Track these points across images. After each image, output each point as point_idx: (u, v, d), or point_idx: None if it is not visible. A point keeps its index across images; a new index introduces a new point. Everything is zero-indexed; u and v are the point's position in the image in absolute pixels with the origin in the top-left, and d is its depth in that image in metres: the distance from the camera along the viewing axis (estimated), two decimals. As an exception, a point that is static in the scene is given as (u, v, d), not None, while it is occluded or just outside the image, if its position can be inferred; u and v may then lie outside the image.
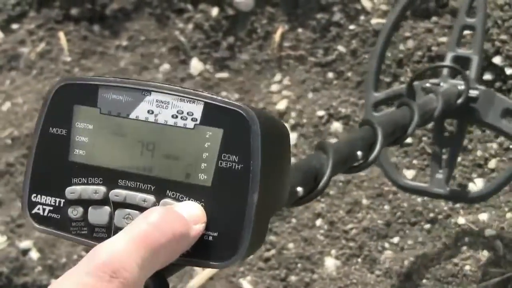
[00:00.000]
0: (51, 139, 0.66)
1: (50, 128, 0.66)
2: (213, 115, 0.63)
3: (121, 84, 0.65)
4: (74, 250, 1.80)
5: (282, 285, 1.68)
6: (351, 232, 1.71)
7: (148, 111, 0.64)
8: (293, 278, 1.69)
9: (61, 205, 0.66)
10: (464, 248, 1.64)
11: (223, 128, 0.62)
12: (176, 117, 0.63)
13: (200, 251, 0.62)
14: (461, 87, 1.40)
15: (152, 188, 0.64)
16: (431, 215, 1.68)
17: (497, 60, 1.65)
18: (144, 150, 0.64)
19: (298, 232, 1.73)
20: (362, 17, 1.86)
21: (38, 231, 0.67)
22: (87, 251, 1.77)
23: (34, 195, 0.67)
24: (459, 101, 1.38)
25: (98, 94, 0.65)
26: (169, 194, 0.63)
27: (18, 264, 1.81)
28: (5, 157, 1.95)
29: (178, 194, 0.63)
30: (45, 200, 0.66)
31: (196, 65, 1.97)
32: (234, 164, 0.62)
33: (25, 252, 1.83)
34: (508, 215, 1.61)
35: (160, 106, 0.63)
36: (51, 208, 0.66)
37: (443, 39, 1.74)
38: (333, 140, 1.75)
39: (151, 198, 0.63)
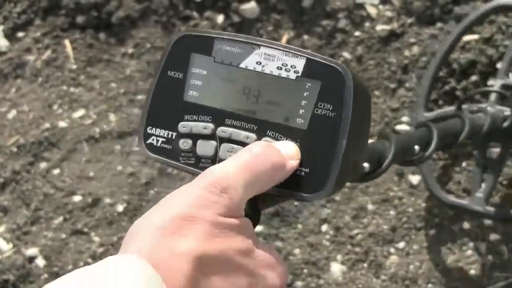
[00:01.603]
0: (169, 81, 0.76)
1: (169, 71, 0.76)
2: (313, 69, 0.72)
3: (235, 37, 0.74)
4: (81, 257, 1.80)
5: (289, 290, 1.68)
6: (357, 238, 1.72)
7: (257, 62, 0.73)
8: (299, 283, 1.69)
9: (173, 137, 0.76)
10: (469, 252, 1.64)
11: (321, 80, 0.71)
12: (281, 68, 0.72)
13: (293, 184, 0.71)
14: (507, 112, 1.49)
15: (255, 128, 0.73)
16: (436, 220, 1.68)
17: (500, 65, 1.65)
18: (250, 95, 0.73)
19: (304, 237, 1.74)
20: (367, 24, 1.86)
21: (152, 159, 0.77)
22: (93, 258, 1.75)
23: (150, 127, 0.77)
24: (505, 124, 1.47)
25: (213, 44, 0.75)
26: (270, 134, 0.73)
27: (25, 272, 1.81)
28: (10, 165, 1.96)
29: (277, 134, 0.73)
30: (159, 133, 0.76)
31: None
32: (328, 112, 0.71)
33: (31, 259, 1.84)
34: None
35: (267, 58, 0.73)
36: (164, 139, 0.76)
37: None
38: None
39: (253, 135, 0.73)
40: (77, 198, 1.88)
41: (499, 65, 1.66)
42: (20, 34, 2.13)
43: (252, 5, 1.95)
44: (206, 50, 0.75)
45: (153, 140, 0.77)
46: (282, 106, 0.72)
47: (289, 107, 0.72)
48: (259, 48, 0.73)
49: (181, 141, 0.75)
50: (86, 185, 1.89)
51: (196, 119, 0.75)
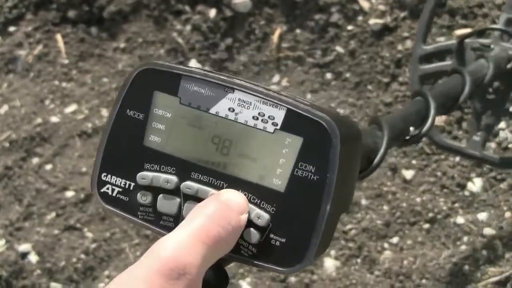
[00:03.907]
0: (127, 122, 0.66)
1: (128, 111, 0.66)
2: (294, 122, 0.62)
3: (205, 77, 0.64)
4: (73, 253, 1.80)
5: (282, 287, 1.68)
6: (351, 233, 1.71)
7: (229, 109, 0.63)
8: (292, 279, 1.69)
9: (131, 188, 0.66)
10: (463, 247, 1.64)
11: (303, 136, 0.62)
12: (257, 119, 0.63)
13: (266, 255, 0.63)
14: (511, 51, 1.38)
15: (225, 185, 0.64)
16: (430, 215, 1.68)
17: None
18: (220, 146, 0.64)
19: (298, 233, 1.73)
20: (360, 18, 1.86)
21: (106, 211, 0.68)
22: (86, 254, 1.75)
23: (105, 174, 0.67)
24: (509, 65, 1.37)
25: (180, 83, 0.65)
26: (242, 193, 0.64)
27: (17, 268, 1.81)
28: (3, 160, 1.95)
29: (250, 195, 0.63)
30: (115, 181, 0.67)
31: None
32: (310, 174, 0.62)
33: (24, 255, 1.83)
34: (507, 214, 1.62)
35: (242, 105, 0.63)
36: (121, 189, 0.66)
37: (441, 38, 1.74)
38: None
39: None
40: (69, 194, 1.87)
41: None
42: (12, 29, 2.12)
43: (244, -1, 1.95)
44: (171, 88, 0.65)
45: (107, 189, 0.67)
46: (257, 163, 0.63)
47: (265, 164, 0.63)
48: (233, 92, 0.63)
49: (140, 194, 0.66)
50: (79, 181, 1.89)
51: (158, 169, 0.65)
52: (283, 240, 0.62)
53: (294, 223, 0.62)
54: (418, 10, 1.81)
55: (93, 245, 1.80)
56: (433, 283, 1.63)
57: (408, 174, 1.72)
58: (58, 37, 2.07)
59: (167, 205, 0.65)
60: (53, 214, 1.86)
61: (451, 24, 1.77)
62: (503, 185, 1.64)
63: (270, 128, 0.63)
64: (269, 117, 0.63)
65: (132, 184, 0.66)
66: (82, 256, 1.79)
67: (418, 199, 1.69)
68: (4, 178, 1.94)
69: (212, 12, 1.97)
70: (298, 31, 1.90)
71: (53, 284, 1.78)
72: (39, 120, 1.98)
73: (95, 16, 2.06)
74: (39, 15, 2.10)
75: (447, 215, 1.67)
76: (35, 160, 1.94)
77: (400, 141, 0.97)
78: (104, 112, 1.96)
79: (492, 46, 1.39)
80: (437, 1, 1.54)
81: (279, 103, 0.62)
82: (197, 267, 0.57)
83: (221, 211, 0.60)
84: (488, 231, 1.64)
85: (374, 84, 1.81)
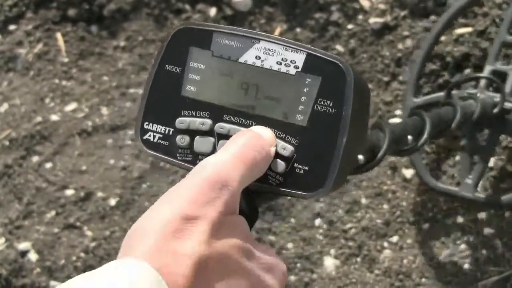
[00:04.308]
0: (166, 75, 0.75)
1: (166, 65, 0.75)
2: (313, 64, 0.71)
3: (234, 31, 0.73)
4: (73, 251, 1.80)
5: (282, 285, 1.68)
6: (350, 232, 1.71)
7: (256, 57, 0.72)
8: (292, 278, 1.69)
9: (170, 133, 0.75)
10: (463, 247, 1.64)
11: (321, 76, 0.71)
12: (280, 63, 0.72)
13: (291, 182, 0.71)
14: (497, 99, 1.48)
15: (253, 124, 0.72)
16: (430, 214, 1.68)
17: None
18: (248, 90, 0.73)
19: (297, 232, 1.73)
20: (360, 17, 1.86)
21: (148, 155, 0.76)
22: (86, 252, 1.75)
23: (147, 123, 0.76)
24: (495, 110, 1.47)
25: (212, 38, 0.74)
26: None
27: (17, 266, 1.80)
28: (2, 158, 1.95)
29: (276, 131, 0.72)
30: (156, 128, 0.75)
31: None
32: (328, 108, 0.70)
33: (23, 253, 1.83)
34: (507, 213, 1.61)
35: (267, 53, 0.72)
36: (161, 135, 0.75)
37: (441, 38, 1.74)
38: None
39: None
40: (69, 192, 1.87)
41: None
42: (12, 27, 2.12)
43: (245, -3, 1.94)
44: (204, 43, 0.74)
45: (149, 136, 0.76)
46: (281, 102, 0.72)
47: (289, 103, 0.71)
48: (259, 42, 0.72)
49: (178, 137, 0.74)
50: (79, 179, 1.88)
51: (194, 114, 0.74)
52: (306, 168, 0.71)
53: (315, 153, 0.70)
54: (418, 9, 1.81)
55: (93, 244, 1.80)
56: (433, 282, 1.63)
57: (408, 173, 1.72)
58: (58, 35, 2.07)
59: (203, 144, 0.73)
60: (53, 213, 1.86)
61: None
62: (502, 185, 1.64)
63: (292, 71, 0.71)
64: (291, 61, 0.71)
65: (171, 129, 0.74)
66: (82, 254, 1.79)
67: (418, 198, 1.69)
68: (4, 177, 1.93)
69: (213, 11, 1.96)
70: (298, 29, 1.90)
71: (52, 282, 1.78)
72: (39, 119, 1.98)
73: (95, 14, 2.06)
74: (39, 13, 2.10)
75: (446, 214, 1.67)
76: (35, 159, 1.94)
77: (399, 147, 1.04)
78: (104, 111, 1.96)
79: (478, 94, 1.49)
80: (425, 58, 1.67)
81: (300, 48, 0.71)
82: (237, 182, 0.64)
83: (255, 139, 0.68)
84: (487, 230, 1.63)
85: (374, 83, 1.81)
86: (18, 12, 2.12)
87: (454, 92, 1.51)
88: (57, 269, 1.79)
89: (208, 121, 0.73)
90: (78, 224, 1.84)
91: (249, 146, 0.67)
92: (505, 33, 1.59)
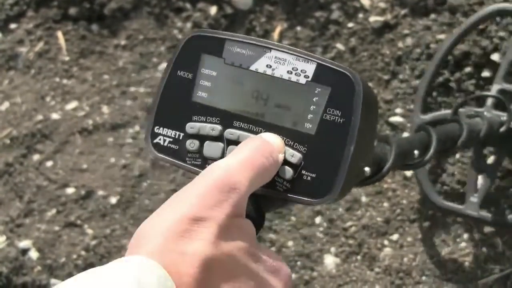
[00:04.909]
0: (178, 81, 0.77)
1: (179, 71, 0.77)
2: (323, 74, 0.73)
3: (246, 40, 0.75)
4: (74, 249, 1.80)
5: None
6: (351, 230, 1.71)
7: (267, 65, 0.74)
8: (292, 276, 1.69)
9: (180, 138, 0.77)
10: (463, 244, 1.64)
11: (331, 86, 0.72)
12: (291, 73, 0.74)
13: (299, 189, 0.73)
14: (504, 118, 1.49)
15: (263, 131, 0.74)
16: (430, 212, 1.68)
17: (495, 57, 1.65)
18: (259, 98, 0.74)
19: (298, 230, 1.73)
20: (360, 15, 1.86)
21: (158, 159, 0.78)
22: (86, 250, 1.74)
23: (157, 127, 0.78)
24: (501, 129, 1.47)
25: (224, 46, 0.76)
26: None
27: (18, 264, 1.81)
28: (4, 157, 1.95)
29: (285, 138, 0.73)
30: (167, 132, 0.77)
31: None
32: (337, 118, 0.72)
33: (24, 251, 1.83)
34: (507, 211, 1.62)
35: (278, 62, 0.74)
36: (171, 139, 0.77)
37: (442, 36, 1.74)
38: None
39: None
40: (70, 190, 1.88)
41: (493, 57, 1.66)
42: (13, 26, 2.12)
43: (245, -4, 1.94)
44: (216, 51, 0.76)
45: (160, 139, 0.77)
46: (291, 110, 0.73)
47: (298, 111, 0.73)
48: (270, 51, 0.74)
49: (188, 141, 0.76)
50: (79, 177, 1.89)
51: (204, 120, 0.76)
52: (314, 175, 0.72)
53: (323, 161, 0.72)
54: (418, 8, 1.81)
55: (94, 242, 1.80)
56: (433, 280, 1.63)
57: (408, 171, 1.72)
58: (59, 34, 2.08)
59: (212, 149, 0.75)
60: (53, 211, 1.86)
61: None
62: (503, 183, 1.64)
63: (302, 80, 0.73)
64: (301, 71, 0.73)
65: (182, 134, 0.76)
66: (83, 252, 1.79)
67: (419, 196, 1.69)
68: (4, 175, 1.94)
69: (213, 10, 1.97)
70: (298, 28, 1.90)
71: (53, 280, 1.78)
72: (40, 117, 1.98)
73: (96, 13, 2.06)
74: (40, 12, 2.10)
75: (447, 212, 1.67)
76: (36, 157, 1.94)
77: (405, 161, 1.06)
78: (105, 109, 1.96)
79: (485, 113, 1.50)
80: (433, 76, 1.67)
81: (310, 58, 0.73)
82: (245, 186, 0.66)
83: (264, 145, 0.70)
84: (488, 228, 1.63)
85: (374, 81, 1.81)
86: (19, 11, 2.12)
87: (461, 110, 1.52)
88: (58, 267, 1.79)
89: (218, 127, 0.75)
90: (78, 222, 1.84)
91: (258, 152, 0.69)
92: None
